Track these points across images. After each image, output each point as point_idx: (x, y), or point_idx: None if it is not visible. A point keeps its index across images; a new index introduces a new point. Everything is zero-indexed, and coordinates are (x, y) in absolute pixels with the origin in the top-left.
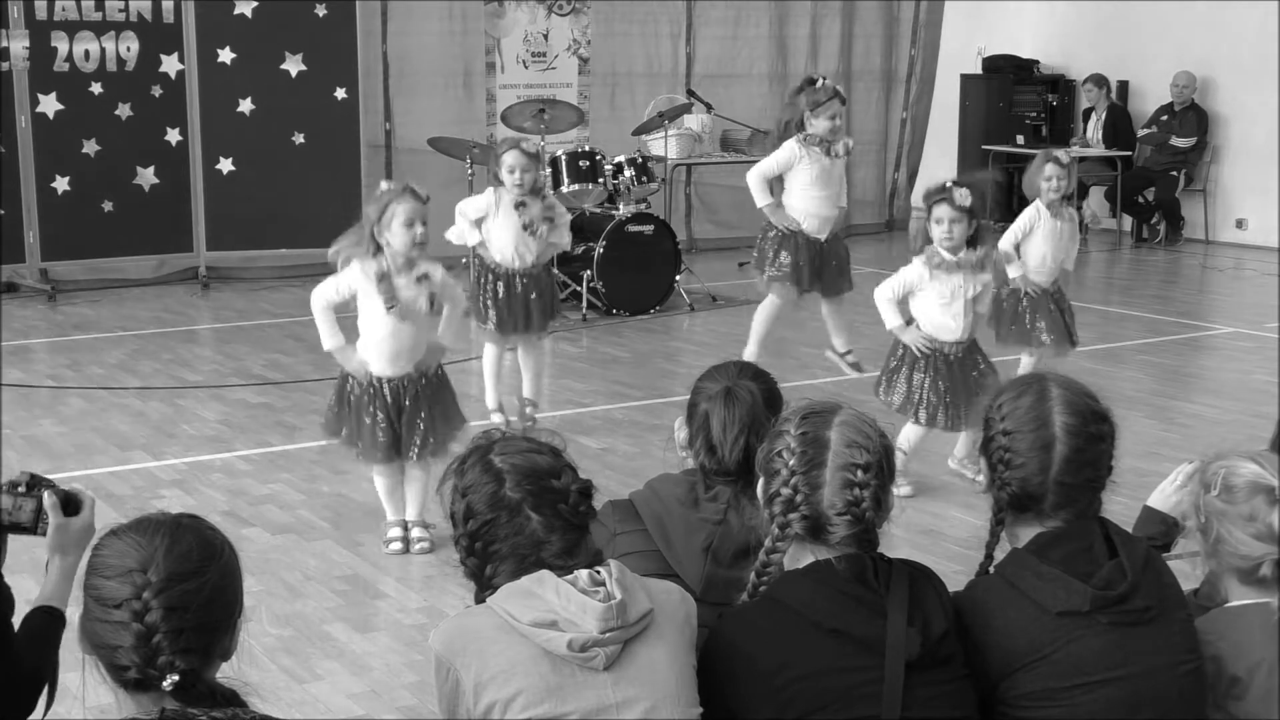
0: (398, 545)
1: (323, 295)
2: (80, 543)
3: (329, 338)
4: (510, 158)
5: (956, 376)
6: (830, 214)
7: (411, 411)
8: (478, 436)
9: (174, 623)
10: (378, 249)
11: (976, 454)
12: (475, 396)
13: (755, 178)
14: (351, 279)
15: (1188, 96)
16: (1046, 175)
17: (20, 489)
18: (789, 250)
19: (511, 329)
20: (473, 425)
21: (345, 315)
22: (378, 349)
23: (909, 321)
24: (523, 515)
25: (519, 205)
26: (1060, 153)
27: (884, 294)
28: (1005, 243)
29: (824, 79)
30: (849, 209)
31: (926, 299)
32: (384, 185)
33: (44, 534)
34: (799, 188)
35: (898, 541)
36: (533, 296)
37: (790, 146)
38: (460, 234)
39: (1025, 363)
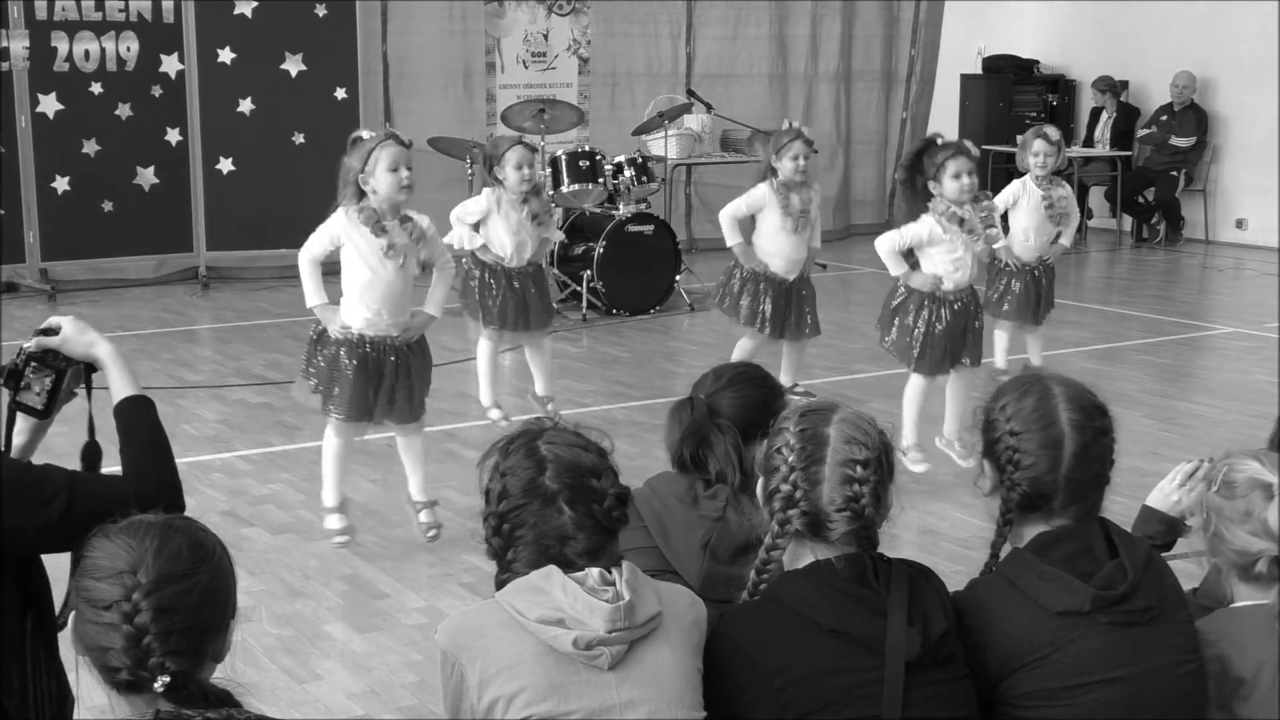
0: (341, 538)
1: (311, 250)
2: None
3: (313, 294)
4: (516, 154)
5: (956, 322)
6: (799, 256)
7: (392, 377)
8: (529, 421)
9: (164, 624)
10: (362, 196)
11: (966, 434)
12: (473, 396)
13: (726, 217)
14: (337, 227)
15: (1187, 97)
16: (1035, 151)
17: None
18: (750, 294)
19: (513, 327)
20: (471, 425)
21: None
22: (362, 298)
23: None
24: (555, 507)
25: (525, 199)
26: (1050, 129)
27: (888, 244)
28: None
29: (790, 123)
30: (848, 211)
31: (935, 254)
32: (365, 134)
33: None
34: (769, 230)
35: (898, 541)
36: (531, 293)
37: (762, 190)
38: (459, 239)
39: (999, 336)
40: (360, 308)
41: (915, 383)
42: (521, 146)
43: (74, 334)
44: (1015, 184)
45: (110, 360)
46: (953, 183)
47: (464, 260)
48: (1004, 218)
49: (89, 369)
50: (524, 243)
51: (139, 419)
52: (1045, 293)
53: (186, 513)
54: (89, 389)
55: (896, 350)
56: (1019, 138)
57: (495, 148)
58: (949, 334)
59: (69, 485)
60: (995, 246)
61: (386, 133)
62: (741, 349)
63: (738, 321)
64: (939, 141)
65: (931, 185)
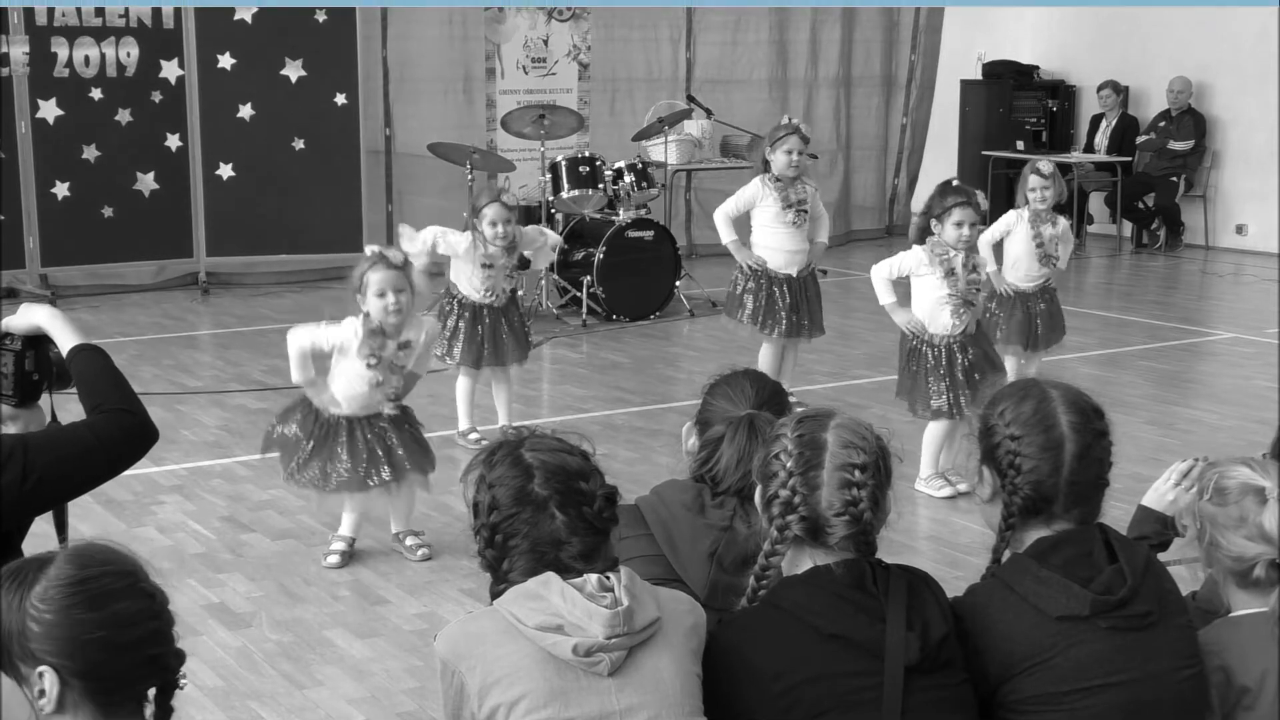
0: (335, 559)
1: (303, 339)
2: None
3: (300, 372)
4: (492, 211)
5: (954, 367)
6: (796, 248)
7: (378, 436)
8: (508, 430)
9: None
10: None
11: (968, 465)
12: (448, 415)
13: (720, 216)
14: (342, 339)
15: (1184, 101)
16: (1031, 186)
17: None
18: (754, 295)
19: (486, 363)
20: (443, 432)
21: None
22: (349, 399)
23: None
24: (547, 513)
25: (486, 266)
26: (1043, 162)
27: (881, 272)
28: (982, 241)
29: (789, 118)
30: (848, 216)
31: (922, 288)
32: (367, 250)
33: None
34: (763, 224)
35: (897, 546)
36: (503, 329)
37: (754, 185)
38: (421, 246)
39: (1009, 363)
40: (347, 402)
41: (934, 427)
42: (499, 204)
43: (18, 313)
44: (1010, 215)
45: (49, 320)
46: (953, 230)
47: (440, 296)
48: (998, 245)
49: (45, 347)
50: (488, 289)
51: (89, 363)
52: (1046, 318)
53: (185, 516)
54: (49, 370)
55: (911, 402)
56: (1023, 157)
57: (477, 198)
58: (951, 380)
59: (22, 446)
60: (981, 279)
61: (377, 254)
62: (764, 356)
63: (748, 326)
64: (954, 185)
65: (933, 223)
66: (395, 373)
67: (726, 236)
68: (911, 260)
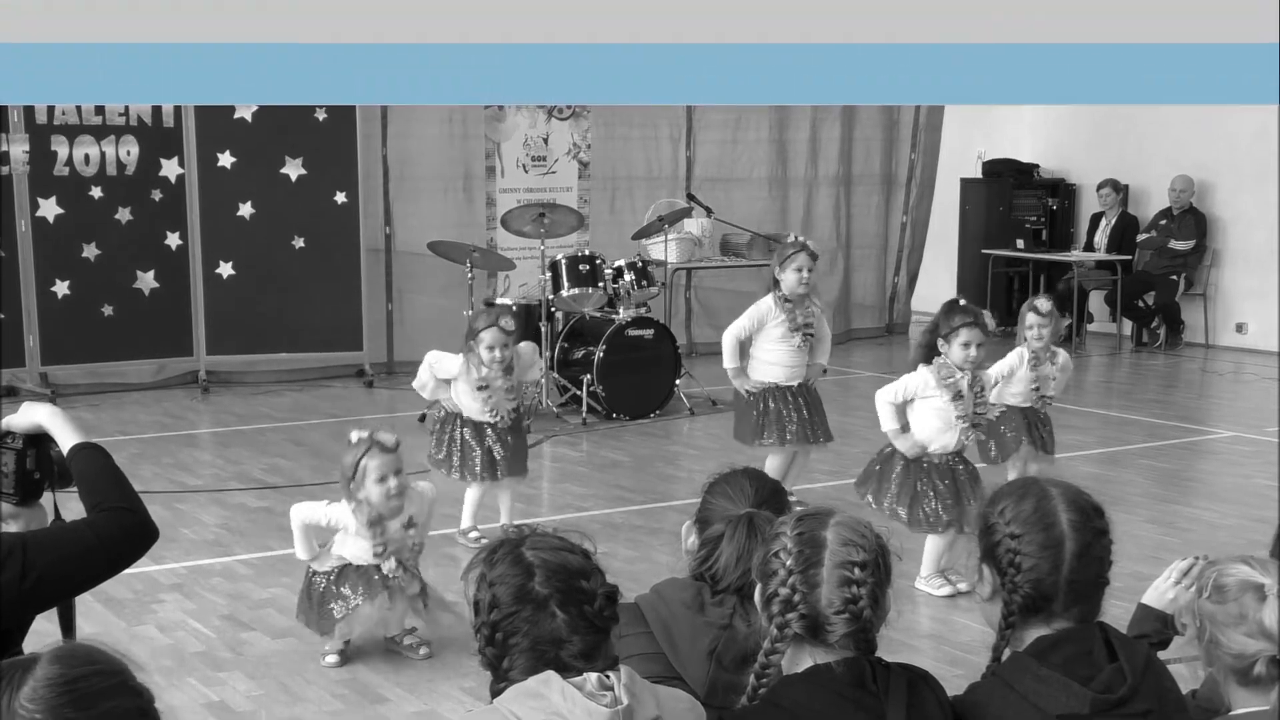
0: (334, 659)
1: (304, 516)
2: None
3: (304, 549)
4: (490, 336)
5: (945, 480)
6: (797, 363)
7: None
8: (509, 529)
9: None
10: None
11: (968, 563)
12: (448, 514)
13: (729, 338)
14: (341, 517)
15: (1185, 201)
16: (1029, 325)
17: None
18: (757, 410)
19: (503, 473)
20: (444, 530)
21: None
22: (356, 558)
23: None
24: (548, 611)
25: (482, 388)
26: (1040, 300)
27: (886, 397)
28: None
29: (795, 236)
30: (848, 315)
31: (926, 409)
32: (354, 436)
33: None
34: (768, 342)
35: (897, 645)
36: (505, 447)
37: (767, 302)
38: (424, 386)
39: (1013, 463)
40: (353, 558)
41: (934, 541)
42: (496, 329)
43: (19, 412)
44: (1013, 356)
45: (50, 419)
46: (960, 350)
47: (437, 412)
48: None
49: (46, 446)
50: (488, 410)
51: (89, 461)
52: (1039, 427)
53: (185, 614)
54: (51, 469)
55: (911, 518)
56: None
57: (475, 320)
58: (949, 493)
59: (21, 545)
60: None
61: (370, 439)
62: (771, 465)
63: (756, 442)
64: (960, 304)
65: (940, 343)
66: (413, 555)
67: (729, 362)
68: (917, 382)
